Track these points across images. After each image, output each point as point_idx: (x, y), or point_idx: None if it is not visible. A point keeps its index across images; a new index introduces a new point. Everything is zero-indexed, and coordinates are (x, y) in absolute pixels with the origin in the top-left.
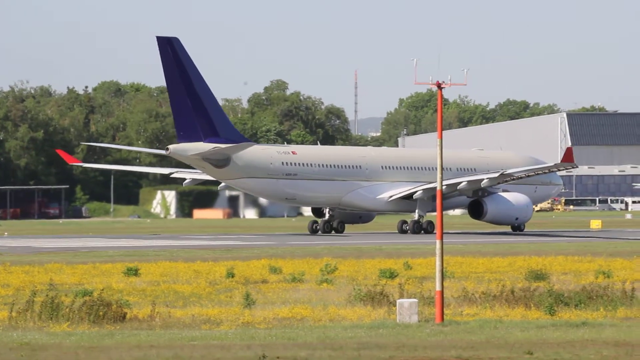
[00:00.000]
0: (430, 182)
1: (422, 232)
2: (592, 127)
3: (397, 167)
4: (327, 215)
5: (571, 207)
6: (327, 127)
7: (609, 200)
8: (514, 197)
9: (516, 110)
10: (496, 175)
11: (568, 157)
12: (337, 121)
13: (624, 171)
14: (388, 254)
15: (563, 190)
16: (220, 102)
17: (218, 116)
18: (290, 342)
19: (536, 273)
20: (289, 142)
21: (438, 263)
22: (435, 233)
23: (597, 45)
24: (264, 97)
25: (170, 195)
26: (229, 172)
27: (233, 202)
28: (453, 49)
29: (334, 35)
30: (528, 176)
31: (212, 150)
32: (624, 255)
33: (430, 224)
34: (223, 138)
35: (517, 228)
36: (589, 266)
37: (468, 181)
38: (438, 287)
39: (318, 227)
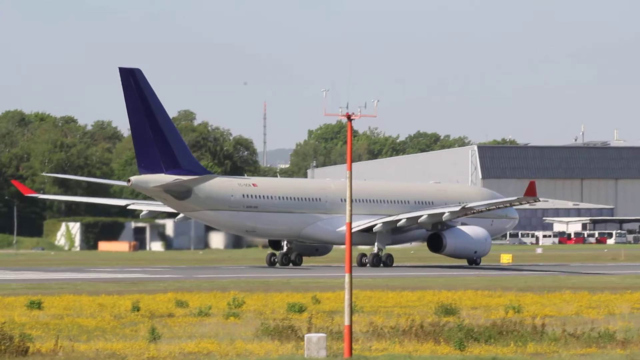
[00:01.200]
0: (390, 215)
1: (382, 265)
2: (502, 160)
3: (356, 200)
4: (285, 248)
5: None
6: (235, 158)
7: (519, 234)
8: (473, 230)
9: (427, 142)
10: (458, 208)
11: (531, 191)
12: (246, 152)
13: (534, 205)
14: (296, 287)
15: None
16: (126, 133)
17: (179, 147)
18: None
19: (446, 307)
20: None
21: (347, 297)
22: (394, 266)
23: (508, 79)
24: None
25: (75, 227)
26: (190, 204)
27: (139, 234)
28: (363, 80)
29: (243, 66)
30: (489, 210)
31: (173, 182)
32: (534, 290)
33: (390, 257)
34: (184, 170)
35: (474, 262)
36: (499, 301)
37: (429, 214)
38: (347, 322)
39: (276, 259)
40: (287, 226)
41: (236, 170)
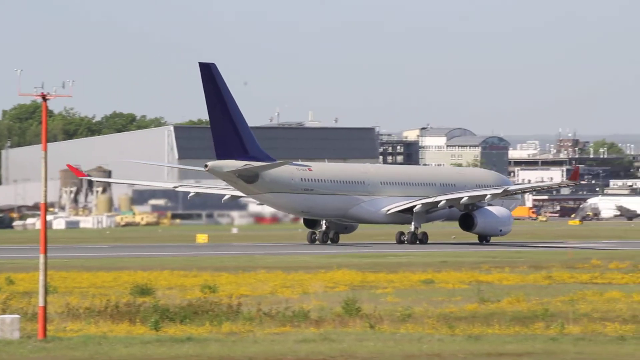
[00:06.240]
0: (427, 197)
1: (418, 242)
2: (198, 140)
3: (394, 183)
4: (324, 227)
5: (177, 221)
6: None
7: (214, 215)
8: (498, 210)
9: (123, 122)
10: (499, 191)
11: (575, 176)
12: None
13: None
14: None
15: (169, 205)
16: None
17: (247, 136)
18: None
19: (141, 288)
20: None
21: (41, 278)
22: (429, 243)
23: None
24: None
25: None
26: (257, 188)
27: None
28: (59, 60)
29: None
30: (523, 192)
31: (243, 167)
32: (229, 270)
33: (425, 235)
34: (250, 156)
35: (484, 238)
36: (195, 281)
37: (470, 196)
38: (41, 303)
39: (316, 237)
40: (336, 207)
41: None
